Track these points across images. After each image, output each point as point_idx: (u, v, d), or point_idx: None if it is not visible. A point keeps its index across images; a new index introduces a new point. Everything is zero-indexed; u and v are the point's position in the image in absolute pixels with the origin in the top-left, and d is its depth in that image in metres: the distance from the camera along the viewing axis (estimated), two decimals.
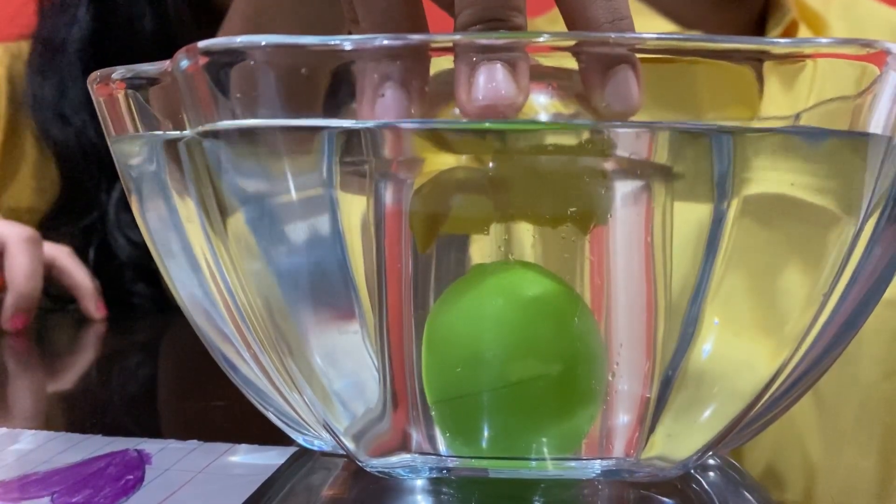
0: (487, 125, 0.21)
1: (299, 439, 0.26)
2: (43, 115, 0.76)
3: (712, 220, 0.21)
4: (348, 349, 0.23)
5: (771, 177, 0.21)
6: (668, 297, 0.22)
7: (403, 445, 0.23)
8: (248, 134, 0.21)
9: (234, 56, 0.20)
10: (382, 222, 0.23)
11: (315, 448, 0.26)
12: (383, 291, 0.23)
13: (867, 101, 0.21)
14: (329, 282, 0.23)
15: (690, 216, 0.22)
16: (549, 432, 0.22)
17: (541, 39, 0.20)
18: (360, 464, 0.23)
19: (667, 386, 0.22)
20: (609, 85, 0.21)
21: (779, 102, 0.21)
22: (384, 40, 0.20)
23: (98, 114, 0.26)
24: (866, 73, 0.21)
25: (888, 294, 0.24)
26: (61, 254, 0.64)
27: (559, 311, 0.22)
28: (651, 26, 0.76)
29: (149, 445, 0.26)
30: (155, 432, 0.29)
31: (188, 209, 0.23)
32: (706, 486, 0.24)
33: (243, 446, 0.26)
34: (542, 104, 0.22)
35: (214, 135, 0.21)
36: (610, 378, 0.22)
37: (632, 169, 0.22)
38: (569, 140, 0.21)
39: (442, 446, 0.22)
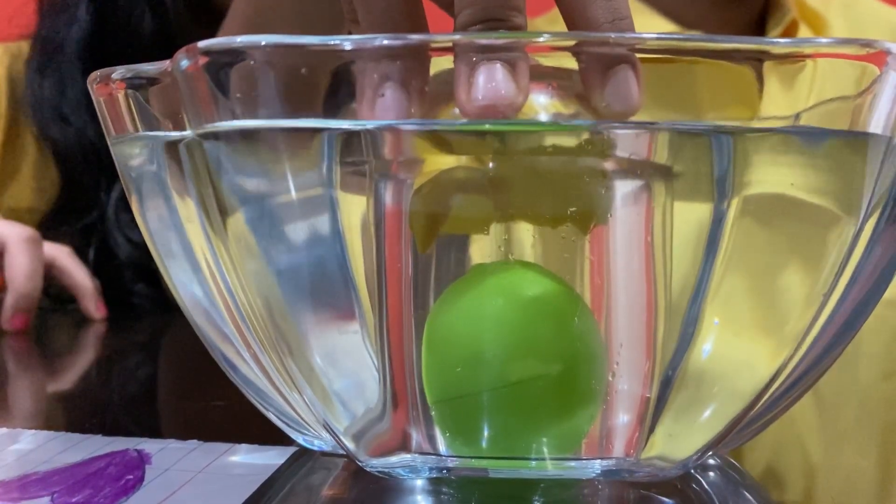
0: (487, 127, 0.21)
1: (299, 439, 0.26)
2: (42, 114, 0.76)
3: (712, 220, 0.21)
4: (348, 349, 0.23)
5: (771, 177, 0.21)
6: (668, 297, 0.22)
7: (403, 445, 0.23)
8: (248, 134, 0.21)
9: (234, 56, 0.20)
10: (382, 222, 0.23)
11: (315, 448, 0.26)
12: (383, 291, 0.23)
13: (867, 101, 0.21)
14: (329, 282, 0.23)
15: (690, 216, 0.22)
16: (549, 432, 0.22)
17: (541, 39, 0.20)
18: (360, 464, 0.23)
19: (667, 386, 0.22)
20: (609, 85, 0.21)
21: (779, 102, 0.21)
22: (384, 40, 0.20)
23: (98, 114, 0.26)
24: (866, 73, 0.21)
25: (888, 294, 0.24)
26: (61, 254, 0.64)
27: (559, 311, 0.22)
28: (651, 26, 0.76)
29: (149, 445, 0.26)
30: (155, 432, 0.29)
31: (188, 209, 0.23)
32: (706, 486, 0.24)
33: (243, 446, 0.26)
34: (542, 104, 0.22)
35: (215, 136, 0.21)
36: (610, 378, 0.22)
37: (632, 169, 0.22)
38: (569, 141, 0.21)
39: (442, 446, 0.22)
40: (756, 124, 0.21)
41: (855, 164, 0.21)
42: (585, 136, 0.21)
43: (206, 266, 0.24)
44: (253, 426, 0.28)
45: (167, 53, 0.22)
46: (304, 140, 0.21)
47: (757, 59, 0.20)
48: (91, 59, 0.75)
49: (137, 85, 0.24)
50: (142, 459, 0.25)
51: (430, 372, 0.22)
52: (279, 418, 0.26)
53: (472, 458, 0.22)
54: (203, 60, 0.20)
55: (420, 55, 0.21)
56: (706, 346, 0.22)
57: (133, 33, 0.75)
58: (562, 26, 0.24)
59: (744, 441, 0.25)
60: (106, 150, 0.27)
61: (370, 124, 0.21)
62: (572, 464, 0.22)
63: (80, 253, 0.68)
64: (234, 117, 0.21)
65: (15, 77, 0.79)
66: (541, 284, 0.22)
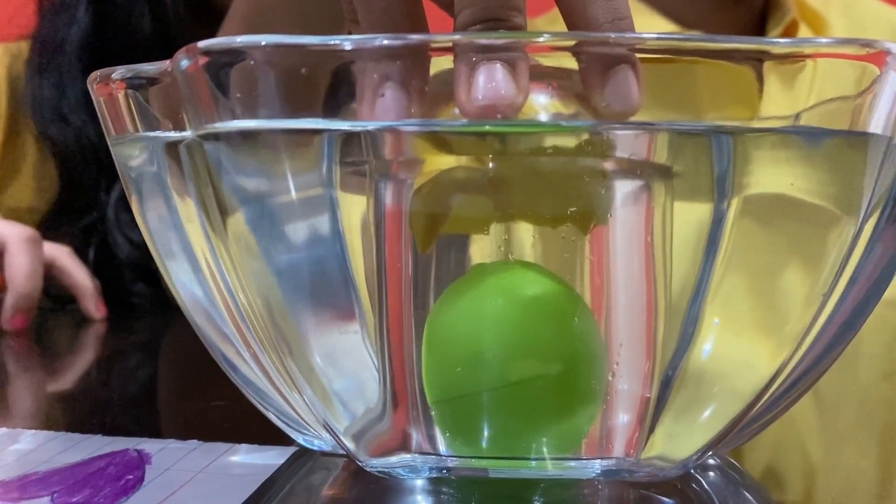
0: (487, 128, 0.21)
1: (299, 439, 0.26)
2: (42, 114, 0.76)
3: (712, 220, 0.21)
4: (348, 349, 0.23)
5: (771, 177, 0.21)
6: (668, 297, 0.22)
7: (403, 445, 0.23)
8: (248, 135, 0.21)
9: (234, 56, 0.20)
10: (382, 222, 0.23)
11: (315, 448, 0.26)
12: (383, 291, 0.23)
13: (867, 101, 0.21)
14: (329, 282, 0.23)
15: (690, 216, 0.22)
16: (549, 432, 0.22)
17: (541, 39, 0.20)
18: (360, 464, 0.23)
19: (667, 386, 0.22)
20: (609, 85, 0.21)
21: (779, 102, 0.21)
22: (384, 40, 0.20)
23: (98, 114, 0.26)
24: (866, 73, 0.21)
25: (888, 294, 0.24)
26: (61, 254, 0.64)
27: (559, 311, 0.22)
28: (651, 26, 0.76)
29: (149, 445, 0.26)
30: (155, 432, 0.29)
31: (188, 209, 0.23)
32: (706, 486, 0.24)
33: (243, 446, 0.26)
34: (542, 104, 0.22)
35: (215, 136, 0.21)
36: (610, 378, 0.22)
37: (632, 169, 0.22)
38: (568, 141, 0.21)
39: (442, 446, 0.22)
40: (756, 124, 0.21)
41: (855, 164, 0.21)
42: (585, 136, 0.21)
43: (206, 266, 0.24)
44: (253, 426, 0.28)
45: (167, 53, 0.22)
46: (304, 140, 0.21)
47: (757, 59, 0.20)
48: (91, 59, 0.75)
49: (137, 85, 0.24)
50: (142, 459, 0.25)
51: (430, 372, 0.22)
52: (279, 418, 0.26)
53: (472, 458, 0.22)
54: (203, 60, 0.20)
55: (420, 55, 0.21)
56: (706, 346, 0.22)
57: (133, 33, 0.75)
58: (562, 26, 0.24)
59: (744, 441, 0.25)
60: (106, 150, 0.27)
61: (370, 125, 0.21)
62: (572, 464, 0.22)
63: (80, 253, 0.68)
64: (234, 117, 0.21)
65: (15, 77, 0.79)
66: (541, 284, 0.22)
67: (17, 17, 0.80)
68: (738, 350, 0.23)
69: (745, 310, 0.23)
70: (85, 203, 0.76)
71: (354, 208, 0.22)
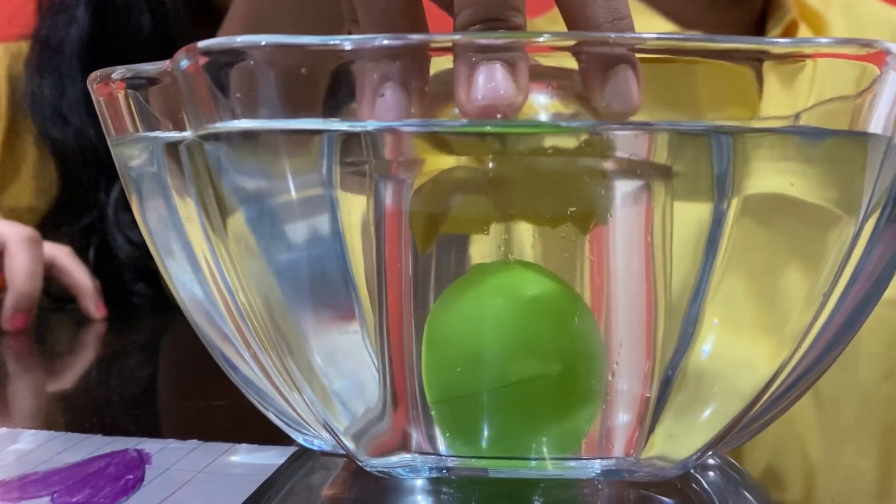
0: (488, 128, 0.21)
1: (299, 439, 0.26)
2: (42, 114, 0.76)
3: (712, 220, 0.21)
4: (348, 349, 0.23)
5: (771, 177, 0.21)
6: (668, 297, 0.22)
7: (403, 445, 0.23)
8: (248, 135, 0.21)
9: (233, 56, 0.20)
10: (382, 222, 0.23)
11: (315, 448, 0.26)
12: (383, 291, 0.23)
13: (867, 101, 0.21)
14: (329, 282, 0.23)
15: (690, 216, 0.22)
16: (548, 432, 0.22)
17: (541, 39, 0.20)
18: (360, 464, 0.23)
19: (667, 386, 0.22)
20: (609, 85, 0.21)
21: (778, 102, 0.21)
22: (384, 40, 0.20)
23: (98, 113, 0.26)
24: (866, 72, 0.21)
25: (888, 294, 0.24)
26: (61, 254, 0.64)
27: (559, 311, 0.22)
28: (651, 26, 0.77)
29: (149, 445, 0.26)
30: (155, 432, 0.29)
31: (188, 209, 0.23)
32: (706, 486, 0.24)
33: (243, 446, 0.26)
34: (542, 104, 0.22)
35: (215, 136, 0.21)
36: (610, 378, 0.22)
37: (631, 169, 0.22)
38: (568, 141, 0.21)
39: (442, 446, 0.22)
40: (756, 124, 0.21)
41: (855, 164, 0.21)
42: (585, 136, 0.21)
43: (206, 266, 0.24)
44: (253, 426, 0.28)
45: (167, 53, 0.22)
46: (303, 140, 0.21)
47: (757, 59, 0.20)
48: (90, 59, 0.75)
49: (137, 85, 0.24)
50: (142, 459, 0.25)
51: (430, 372, 0.22)
52: (279, 418, 0.26)
53: (472, 458, 0.22)
54: (203, 60, 0.20)
55: (420, 55, 0.21)
56: (706, 346, 0.22)
57: (132, 33, 0.75)
58: (562, 26, 0.24)
59: (744, 441, 0.25)
60: (106, 150, 0.27)
61: (370, 125, 0.21)
62: (572, 464, 0.22)
63: (80, 253, 0.68)
64: (234, 117, 0.21)
65: (15, 77, 0.79)
66: (541, 284, 0.22)
67: (17, 17, 0.80)
68: (738, 350, 0.23)
69: (745, 310, 0.23)
70: (85, 203, 0.76)
71: (354, 208, 0.22)
